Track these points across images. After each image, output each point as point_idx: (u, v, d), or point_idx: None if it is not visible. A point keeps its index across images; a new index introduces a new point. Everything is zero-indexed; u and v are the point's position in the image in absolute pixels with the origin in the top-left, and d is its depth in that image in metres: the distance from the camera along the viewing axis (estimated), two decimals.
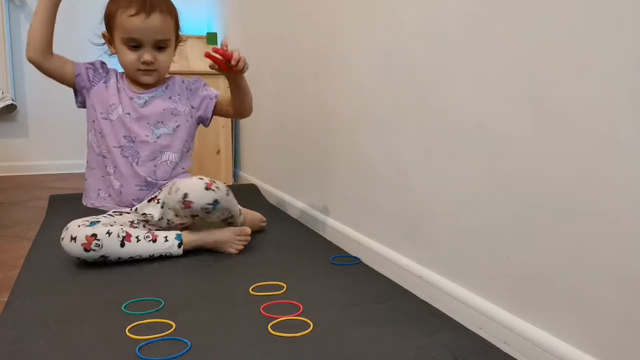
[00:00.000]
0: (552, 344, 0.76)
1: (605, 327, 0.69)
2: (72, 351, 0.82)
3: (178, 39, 1.36)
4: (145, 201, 1.33)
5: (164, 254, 1.24)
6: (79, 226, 1.18)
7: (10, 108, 2.60)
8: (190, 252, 1.28)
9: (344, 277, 1.17)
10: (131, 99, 1.33)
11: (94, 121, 1.35)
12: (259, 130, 2.19)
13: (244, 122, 2.43)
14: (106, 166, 1.33)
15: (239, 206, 1.37)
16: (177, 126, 1.37)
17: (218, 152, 2.41)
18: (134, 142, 1.33)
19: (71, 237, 1.16)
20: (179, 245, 1.25)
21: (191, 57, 2.47)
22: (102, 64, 1.37)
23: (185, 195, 1.22)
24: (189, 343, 0.83)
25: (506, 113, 0.84)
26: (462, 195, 0.95)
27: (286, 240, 1.43)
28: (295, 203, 1.74)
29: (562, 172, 0.74)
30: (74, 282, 1.11)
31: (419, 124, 1.07)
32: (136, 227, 1.29)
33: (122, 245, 1.19)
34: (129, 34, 1.26)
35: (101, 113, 1.33)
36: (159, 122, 1.35)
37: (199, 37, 2.63)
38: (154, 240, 1.23)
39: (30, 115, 2.72)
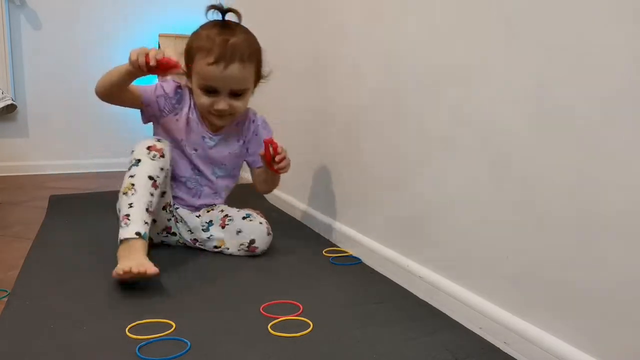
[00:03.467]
0: (552, 344, 0.76)
1: (605, 327, 0.69)
2: (72, 351, 0.82)
3: (259, 79, 1.34)
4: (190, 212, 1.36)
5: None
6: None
7: (10, 108, 2.60)
8: (191, 253, 1.29)
9: (344, 277, 1.17)
10: (203, 138, 1.33)
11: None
12: None
13: None
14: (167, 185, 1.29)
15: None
16: (235, 167, 1.43)
17: None
18: (200, 175, 1.36)
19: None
20: (138, 235, 1.10)
21: None
22: (177, 89, 1.32)
23: (252, 241, 1.27)
24: (188, 343, 0.83)
25: (507, 113, 0.84)
26: (462, 195, 0.95)
27: (286, 240, 1.43)
28: (295, 203, 1.74)
29: (563, 172, 0.74)
30: (73, 282, 1.11)
31: (419, 125, 1.07)
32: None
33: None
34: (205, 82, 1.24)
35: (171, 142, 1.31)
36: (223, 164, 1.37)
37: None
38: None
39: (30, 115, 2.72)
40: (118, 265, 1.04)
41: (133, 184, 1.15)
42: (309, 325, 0.90)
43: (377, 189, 1.24)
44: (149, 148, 1.19)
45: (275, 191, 1.92)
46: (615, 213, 0.67)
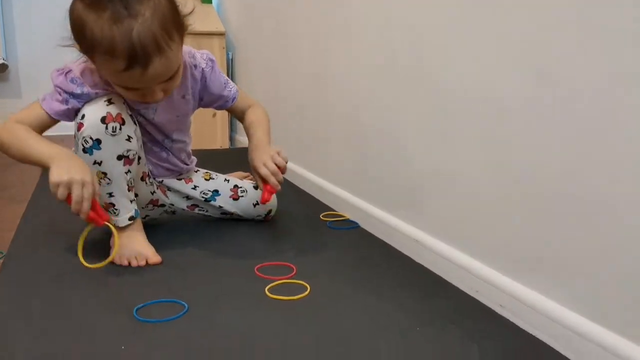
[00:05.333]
0: (548, 307, 0.77)
1: (601, 288, 0.70)
2: (68, 311, 0.82)
3: (184, 34, 0.95)
4: (175, 178, 1.23)
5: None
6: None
7: (2, 68, 2.56)
8: (183, 217, 1.28)
9: (342, 241, 1.18)
10: (138, 112, 1.07)
11: None
12: (257, 94, 2.16)
13: (241, 87, 2.40)
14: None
15: None
16: (190, 123, 1.22)
17: (214, 115, 2.39)
18: (156, 141, 1.16)
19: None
20: (132, 219, 1.03)
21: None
22: (75, 82, 0.97)
23: (270, 211, 1.28)
24: (186, 305, 0.84)
25: (506, 84, 0.82)
26: (459, 162, 0.95)
27: (284, 204, 1.43)
28: (293, 167, 1.73)
29: (558, 138, 0.73)
30: (69, 242, 1.10)
31: (416, 96, 1.05)
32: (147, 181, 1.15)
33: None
34: (124, 85, 0.93)
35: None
36: (175, 130, 1.16)
37: None
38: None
39: (23, 76, 2.68)
40: (117, 253, 0.99)
41: (105, 173, 0.98)
42: (306, 288, 0.91)
43: (375, 155, 1.23)
44: (104, 121, 0.95)
45: None
46: (612, 165, 0.66)
